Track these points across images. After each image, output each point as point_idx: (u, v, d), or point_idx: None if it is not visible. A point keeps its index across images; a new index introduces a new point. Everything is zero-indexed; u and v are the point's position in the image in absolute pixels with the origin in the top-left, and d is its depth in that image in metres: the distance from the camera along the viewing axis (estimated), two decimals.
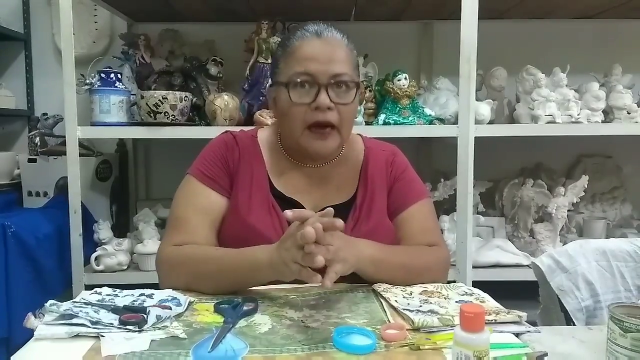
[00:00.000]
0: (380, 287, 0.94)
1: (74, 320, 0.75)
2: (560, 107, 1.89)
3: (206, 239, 1.03)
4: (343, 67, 1.01)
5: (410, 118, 1.84)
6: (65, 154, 1.74)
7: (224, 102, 1.81)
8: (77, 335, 0.73)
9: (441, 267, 1.07)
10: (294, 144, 1.06)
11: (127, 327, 0.74)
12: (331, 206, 0.92)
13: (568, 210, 1.98)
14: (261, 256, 0.89)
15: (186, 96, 1.83)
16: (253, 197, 1.05)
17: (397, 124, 1.83)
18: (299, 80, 1.00)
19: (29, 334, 0.75)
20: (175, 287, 0.95)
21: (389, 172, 1.13)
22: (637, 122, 1.93)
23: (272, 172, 1.10)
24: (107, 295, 0.87)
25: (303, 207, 1.05)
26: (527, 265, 1.89)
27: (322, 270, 0.82)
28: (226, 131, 1.16)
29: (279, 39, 1.89)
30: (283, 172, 1.10)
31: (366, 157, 1.14)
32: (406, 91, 1.84)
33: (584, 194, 1.95)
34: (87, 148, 2.05)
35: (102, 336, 0.72)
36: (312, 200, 1.07)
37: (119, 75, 1.88)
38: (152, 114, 1.77)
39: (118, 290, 0.89)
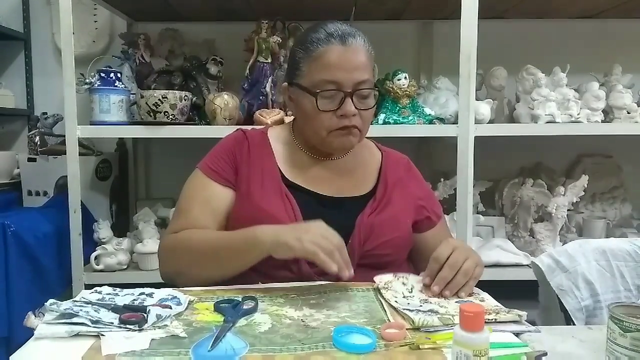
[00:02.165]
0: (381, 282, 0.94)
1: (75, 320, 0.75)
2: (560, 107, 1.88)
3: (205, 228, 1.07)
4: (365, 74, 1.05)
5: (410, 118, 1.84)
6: (65, 153, 1.74)
7: (224, 101, 1.81)
8: (77, 335, 0.73)
9: None
10: (318, 142, 1.11)
11: (128, 326, 0.74)
12: (349, 197, 1.08)
13: (568, 210, 1.98)
14: (260, 229, 0.94)
15: (186, 95, 1.83)
16: (265, 185, 1.09)
17: (397, 124, 1.83)
18: (326, 89, 1.04)
19: (29, 334, 0.75)
20: (173, 271, 1.03)
21: (411, 181, 1.19)
22: (637, 122, 1.92)
23: (284, 164, 1.13)
24: (107, 294, 0.87)
25: (318, 195, 1.10)
26: (527, 265, 1.89)
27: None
28: (238, 129, 1.20)
29: (280, 38, 1.90)
30: (298, 165, 1.14)
31: (385, 159, 1.20)
32: (406, 91, 1.84)
33: (583, 193, 1.95)
34: (86, 147, 2.05)
35: (103, 335, 0.72)
36: (329, 190, 1.11)
37: (119, 75, 1.88)
38: (151, 114, 1.77)
39: (118, 289, 0.89)
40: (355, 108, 1.04)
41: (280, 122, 1.74)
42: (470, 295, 0.91)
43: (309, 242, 0.87)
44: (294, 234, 0.89)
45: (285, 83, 1.14)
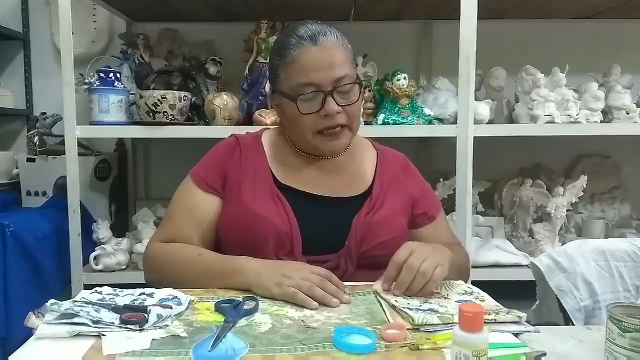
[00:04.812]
0: (379, 288, 0.94)
1: (75, 320, 0.75)
2: (559, 107, 1.89)
3: (188, 236, 1.08)
4: (343, 69, 1.03)
5: (409, 118, 1.84)
6: (64, 154, 1.74)
7: (223, 101, 1.81)
8: (78, 335, 0.73)
9: (469, 263, 1.22)
10: (306, 146, 1.11)
11: (128, 326, 0.74)
12: (345, 197, 1.08)
13: (567, 210, 1.98)
14: (247, 264, 0.96)
15: (185, 96, 1.83)
16: (257, 189, 1.09)
17: (396, 124, 1.83)
18: (304, 92, 1.02)
19: (27, 334, 0.75)
20: (156, 280, 1.05)
21: (407, 178, 1.18)
22: (636, 122, 1.93)
23: (277, 166, 1.13)
24: (108, 294, 0.87)
25: (313, 196, 1.10)
26: (526, 265, 1.89)
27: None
28: (231, 135, 1.20)
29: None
30: (291, 166, 1.13)
31: (380, 158, 1.19)
32: (405, 91, 1.84)
33: (582, 193, 1.95)
34: (86, 147, 2.05)
35: (103, 335, 0.72)
36: (324, 190, 1.11)
37: (118, 75, 1.88)
38: (151, 114, 1.77)
39: (118, 289, 0.89)
40: (339, 105, 1.03)
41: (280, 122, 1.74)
42: (432, 295, 0.90)
43: (287, 286, 0.88)
44: (275, 279, 0.90)
45: (269, 90, 1.15)
